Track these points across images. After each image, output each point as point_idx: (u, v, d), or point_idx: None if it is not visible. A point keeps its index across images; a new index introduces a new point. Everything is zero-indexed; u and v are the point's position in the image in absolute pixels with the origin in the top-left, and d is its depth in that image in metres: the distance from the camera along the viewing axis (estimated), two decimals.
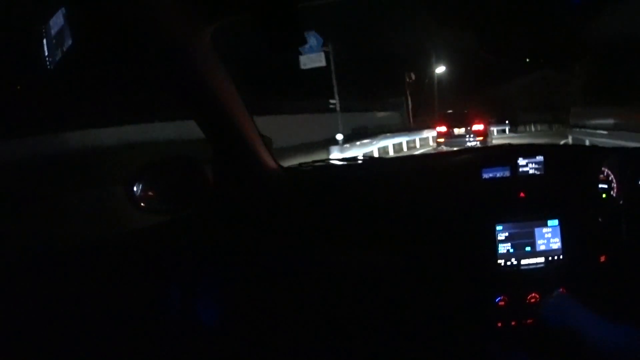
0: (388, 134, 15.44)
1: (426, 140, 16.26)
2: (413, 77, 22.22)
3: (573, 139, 10.55)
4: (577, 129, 11.07)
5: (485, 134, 9.72)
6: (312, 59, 11.28)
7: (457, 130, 9.89)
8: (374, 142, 13.54)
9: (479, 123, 9.83)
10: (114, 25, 0.96)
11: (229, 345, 1.32)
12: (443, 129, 10.33)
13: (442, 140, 10.17)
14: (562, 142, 9.40)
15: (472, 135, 9.61)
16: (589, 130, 10.20)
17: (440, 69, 23.88)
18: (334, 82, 15.17)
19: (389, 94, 23.54)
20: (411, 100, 22.70)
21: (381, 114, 22.95)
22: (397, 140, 15.08)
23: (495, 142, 10.37)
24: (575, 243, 1.29)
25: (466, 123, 9.90)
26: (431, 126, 16.26)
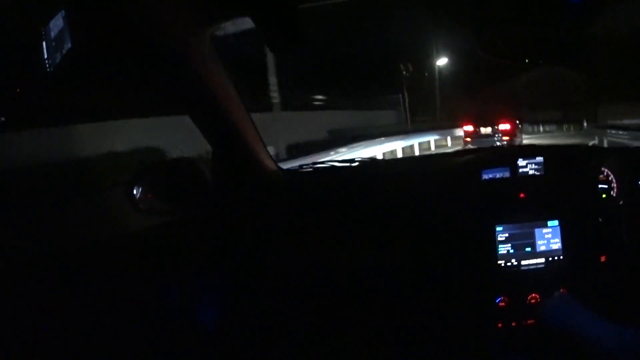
0: (377, 139, 11.83)
1: (428, 144, 14.03)
2: (411, 68, 19.24)
3: (609, 142, 9.23)
4: (613, 131, 9.68)
5: (512, 133, 9.55)
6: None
7: (483, 130, 9.77)
8: (352, 150, 9.81)
9: (505, 122, 9.65)
10: (114, 27, 0.96)
11: (228, 346, 1.32)
12: (470, 128, 10.15)
13: (469, 139, 9.99)
14: (590, 144, 8.35)
15: (498, 135, 9.49)
16: (636, 133, 8.75)
17: (442, 61, 20.52)
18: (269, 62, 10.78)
19: (384, 90, 19.75)
20: (409, 97, 19.62)
21: (374, 113, 19.36)
22: (388, 146, 11.58)
23: (525, 142, 10.19)
24: (575, 243, 1.29)
25: (493, 122, 9.71)
26: (434, 127, 15.20)
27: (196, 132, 1.30)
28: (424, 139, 13.94)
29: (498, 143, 9.04)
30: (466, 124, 10.50)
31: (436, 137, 14.27)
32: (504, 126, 9.56)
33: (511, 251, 1.30)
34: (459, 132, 11.72)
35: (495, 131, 9.61)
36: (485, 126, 9.82)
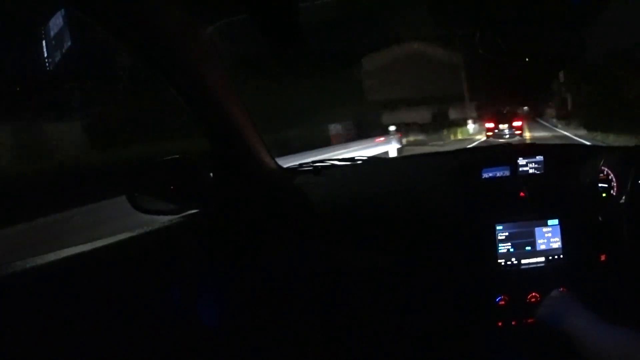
0: None
1: None
2: None
3: None
4: None
5: (522, 128, 12.13)
6: None
7: (501, 126, 12.29)
8: None
9: (518, 120, 12.36)
10: (113, 26, 0.96)
11: (230, 346, 1.32)
12: (491, 125, 12.69)
13: (490, 133, 12.55)
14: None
15: (512, 130, 12.01)
16: None
17: None
18: None
19: None
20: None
21: None
22: None
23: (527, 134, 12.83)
24: (575, 242, 1.29)
25: (509, 120, 12.27)
26: None
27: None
28: None
29: (508, 136, 11.44)
30: (488, 122, 12.92)
31: None
32: (517, 123, 12.10)
33: (511, 250, 1.30)
34: None
35: (510, 127, 12.02)
36: (503, 123, 12.27)
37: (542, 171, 1.39)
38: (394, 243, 1.38)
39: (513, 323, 1.29)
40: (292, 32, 0.96)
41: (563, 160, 1.41)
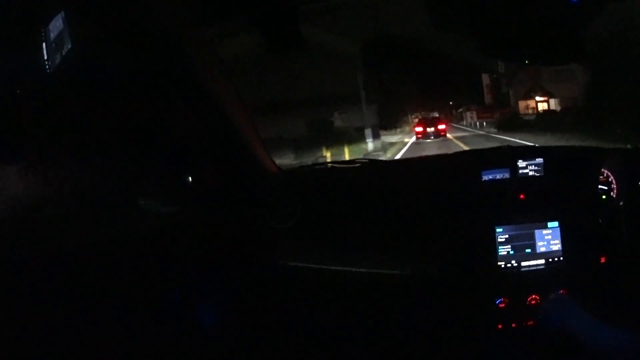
0: None
1: None
2: None
3: None
4: None
5: (446, 130, 13.87)
6: None
7: (429, 129, 13.92)
8: None
9: (442, 124, 14.19)
10: (113, 28, 0.96)
11: (228, 347, 1.31)
12: (420, 129, 14.42)
13: (420, 136, 14.12)
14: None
15: (437, 132, 13.64)
16: None
17: None
18: None
19: None
20: None
21: None
22: None
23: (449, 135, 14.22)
24: (575, 244, 1.29)
25: (435, 124, 14.05)
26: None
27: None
28: None
29: (433, 137, 13.12)
30: (417, 126, 14.64)
31: None
32: (442, 126, 13.97)
33: (511, 252, 1.29)
34: None
35: (435, 130, 13.65)
36: (430, 127, 13.96)
37: (542, 173, 1.39)
38: (393, 245, 1.38)
39: (513, 325, 1.28)
40: (291, 32, 0.96)
41: (563, 162, 1.41)
